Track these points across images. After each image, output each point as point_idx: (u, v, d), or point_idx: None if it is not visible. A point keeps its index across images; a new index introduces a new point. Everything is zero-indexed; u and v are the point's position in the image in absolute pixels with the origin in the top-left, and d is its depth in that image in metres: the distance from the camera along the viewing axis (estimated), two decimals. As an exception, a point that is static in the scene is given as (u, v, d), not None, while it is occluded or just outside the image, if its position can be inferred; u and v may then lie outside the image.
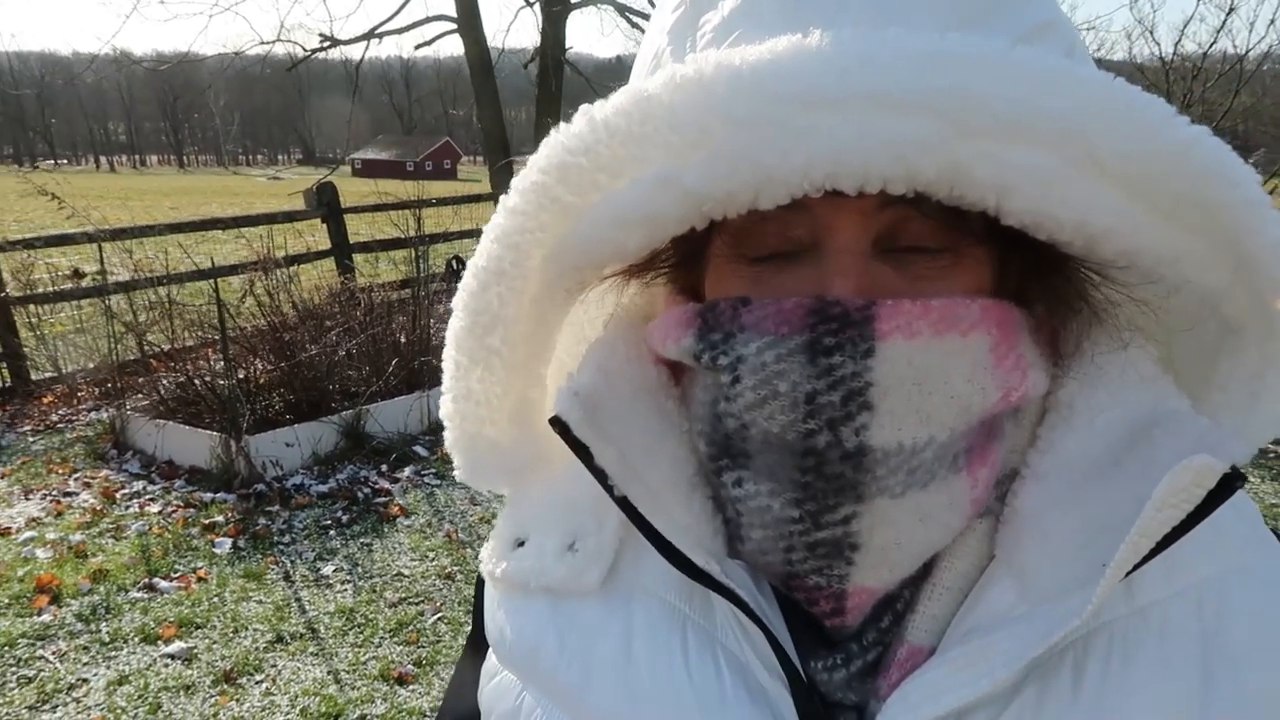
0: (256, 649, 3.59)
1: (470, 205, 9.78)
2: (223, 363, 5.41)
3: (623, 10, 12.63)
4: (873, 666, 0.54)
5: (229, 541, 4.45)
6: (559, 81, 11.18)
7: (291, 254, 7.56)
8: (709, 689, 0.54)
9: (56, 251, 8.05)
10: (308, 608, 3.89)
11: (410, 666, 3.47)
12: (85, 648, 3.60)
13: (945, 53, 0.44)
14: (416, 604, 3.92)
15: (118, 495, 5.02)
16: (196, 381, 5.51)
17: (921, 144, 0.44)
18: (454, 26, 11.49)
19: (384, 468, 5.34)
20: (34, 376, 6.94)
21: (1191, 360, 0.57)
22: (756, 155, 0.46)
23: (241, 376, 5.46)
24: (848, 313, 0.49)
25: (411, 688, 3.36)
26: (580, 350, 0.63)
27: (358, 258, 8.78)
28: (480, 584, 0.70)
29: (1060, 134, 0.44)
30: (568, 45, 11.64)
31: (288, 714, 3.22)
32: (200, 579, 4.13)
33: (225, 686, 3.36)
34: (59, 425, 6.27)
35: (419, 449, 5.59)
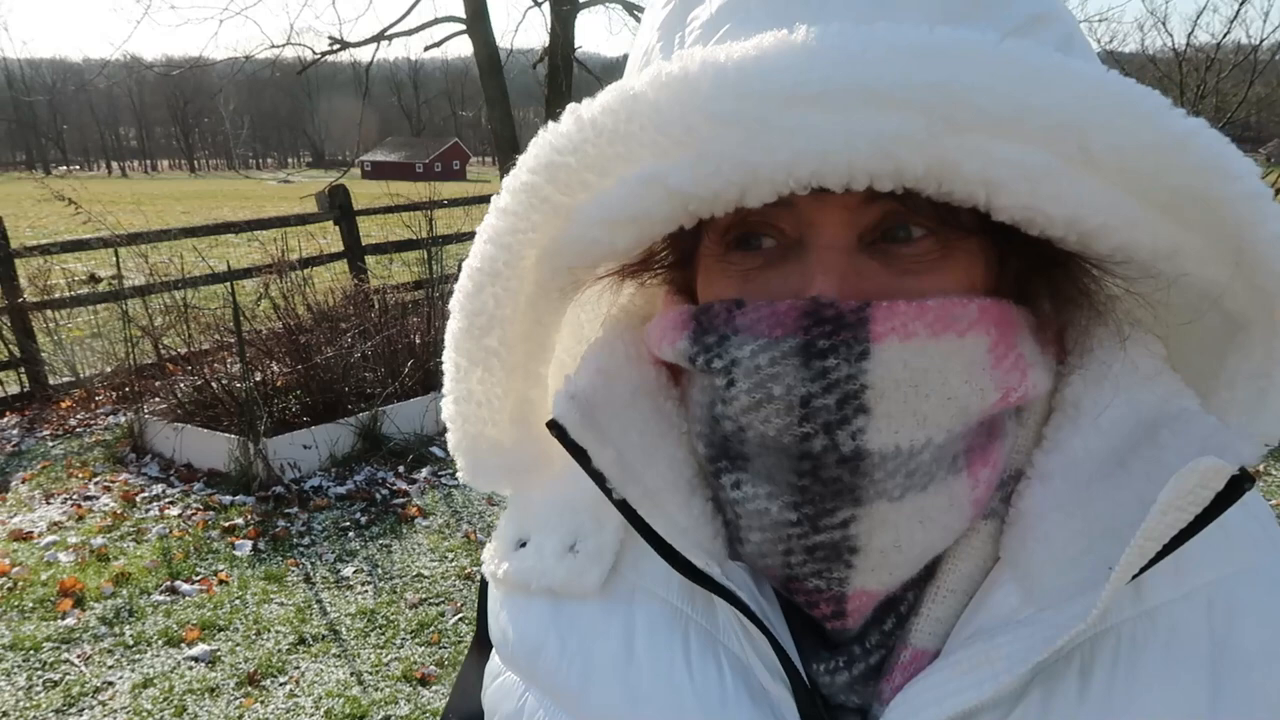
0: (279, 651, 3.60)
1: (482, 206, 9.77)
2: (240, 366, 5.43)
3: (631, 9, 12.63)
4: (876, 669, 0.54)
5: (249, 544, 4.47)
6: (569, 81, 11.18)
7: (305, 257, 7.59)
8: (710, 690, 0.53)
9: (71, 257, 8.10)
10: (329, 609, 3.90)
11: (433, 667, 3.47)
12: (109, 651, 3.62)
13: (933, 47, 0.43)
14: (437, 605, 3.93)
15: (137, 499, 5.05)
16: (214, 385, 5.54)
17: (908, 140, 0.44)
18: (463, 28, 11.51)
19: (401, 469, 5.36)
20: (51, 381, 6.98)
21: (1199, 358, 0.57)
22: (741, 154, 0.45)
23: (259, 379, 5.48)
24: (842, 315, 0.48)
25: (434, 688, 3.37)
26: (580, 350, 0.63)
27: (370, 259, 8.80)
28: (484, 584, 0.70)
29: (1050, 128, 0.44)
30: (576, 44, 11.65)
31: (312, 715, 3.23)
32: (221, 581, 4.14)
33: (249, 689, 3.37)
34: (77, 430, 6.31)
35: (435, 450, 5.60)
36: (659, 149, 0.47)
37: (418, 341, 6.26)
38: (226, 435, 5.21)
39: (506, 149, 11.14)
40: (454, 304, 0.59)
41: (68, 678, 3.45)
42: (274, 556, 4.37)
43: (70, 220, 6.88)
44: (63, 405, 6.76)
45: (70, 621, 3.82)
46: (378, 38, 11.97)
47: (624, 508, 0.54)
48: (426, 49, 12.60)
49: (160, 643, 3.67)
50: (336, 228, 8.81)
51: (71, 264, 8.91)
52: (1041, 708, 0.49)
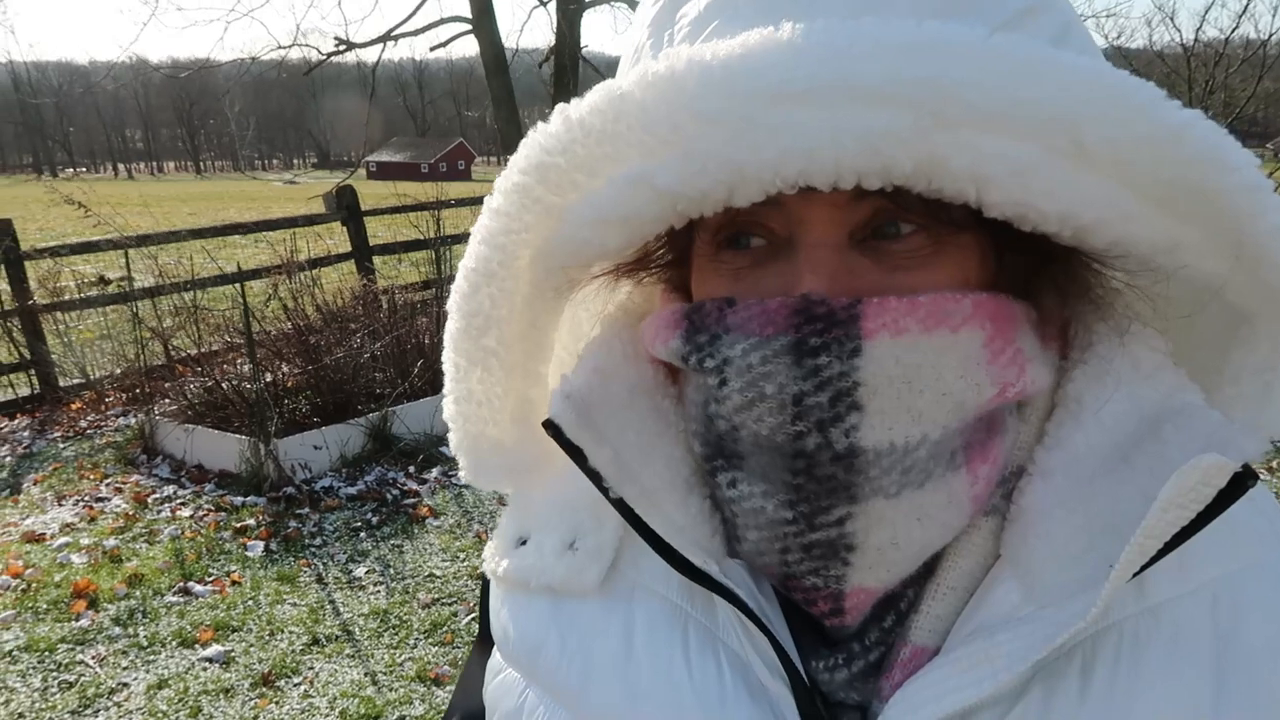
0: (293, 651, 3.60)
1: (489, 205, 9.75)
2: (250, 367, 5.44)
3: (636, 6, 12.61)
4: (876, 666, 0.53)
5: (261, 544, 4.47)
6: (575, 79, 11.18)
7: (313, 257, 7.60)
8: (709, 688, 0.53)
9: (79, 259, 8.12)
10: (342, 610, 3.91)
11: (446, 667, 3.47)
12: (124, 652, 3.63)
13: (920, 42, 0.43)
14: (450, 604, 3.93)
15: (149, 500, 5.06)
16: (224, 386, 5.55)
17: (895, 137, 0.43)
18: (469, 27, 11.51)
19: (411, 469, 5.36)
20: (61, 383, 7.00)
21: (1204, 352, 0.56)
22: (728, 153, 0.45)
23: (269, 380, 5.49)
24: (833, 312, 0.48)
25: (449, 689, 3.36)
26: (580, 348, 0.63)
27: (377, 259, 8.81)
28: (487, 582, 0.70)
29: (1041, 123, 0.43)
30: (582, 43, 11.64)
31: (327, 716, 3.23)
32: (234, 582, 4.15)
33: (264, 689, 3.38)
34: (88, 431, 6.32)
35: (445, 450, 5.57)
36: (646, 149, 0.47)
37: (427, 342, 6.26)
38: (237, 436, 5.21)
39: (514, 148, 11.11)
40: (451, 304, 0.59)
41: (83, 679, 3.46)
42: (286, 557, 4.37)
43: (78, 222, 6.91)
44: (73, 407, 6.78)
45: (84, 623, 3.83)
46: (384, 38, 11.98)
47: (621, 506, 0.54)
48: (432, 49, 12.61)
49: (174, 644, 3.67)
50: (344, 228, 8.83)
51: (80, 265, 8.93)
52: (1042, 705, 0.48)
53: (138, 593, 4.06)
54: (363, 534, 4.60)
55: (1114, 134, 0.43)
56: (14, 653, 3.63)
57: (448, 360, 0.61)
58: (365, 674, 3.46)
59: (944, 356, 0.49)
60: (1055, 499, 0.51)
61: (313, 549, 4.46)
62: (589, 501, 0.58)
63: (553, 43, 11.45)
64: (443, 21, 12.15)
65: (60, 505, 5.09)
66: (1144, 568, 0.45)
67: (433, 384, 6.00)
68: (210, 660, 3.56)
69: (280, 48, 12.30)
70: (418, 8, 11.88)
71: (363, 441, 5.50)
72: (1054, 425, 0.54)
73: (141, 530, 4.70)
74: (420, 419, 5.73)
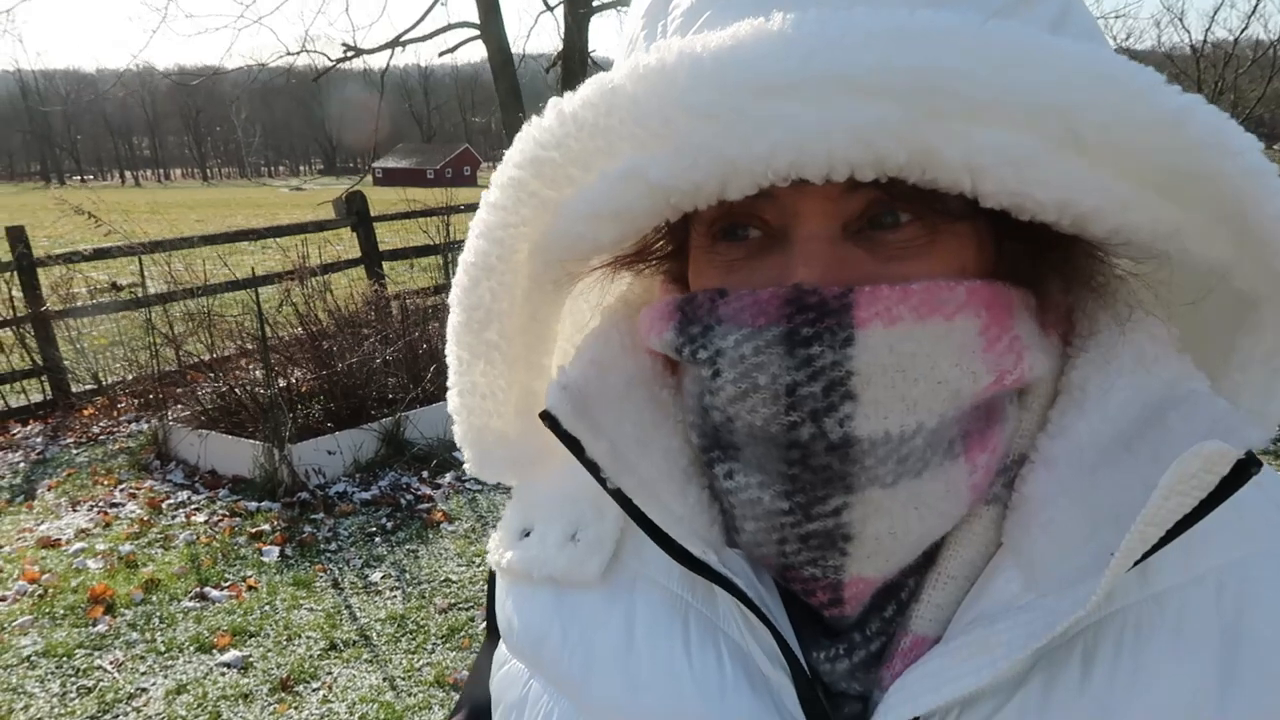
0: (311, 657, 3.60)
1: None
2: (263, 372, 5.44)
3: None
4: (877, 656, 0.53)
5: (276, 550, 4.47)
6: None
7: (325, 263, 7.61)
8: (709, 677, 0.53)
9: (88, 266, 8.15)
10: (359, 615, 3.90)
11: (465, 672, 3.46)
12: (142, 657, 3.63)
13: (911, 30, 0.42)
14: (466, 609, 3.92)
15: (163, 505, 5.06)
16: (239, 391, 5.55)
17: (887, 128, 0.42)
18: (476, 33, 11.54)
19: (425, 474, 5.36)
20: (74, 389, 7.02)
21: (1210, 339, 0.55)
22: (718, 146, 0.44)
23: (283, 385, 5.49)
24: (825, 301, 0.47)
25: (466, 693, 3.36)
26: (581, 340, 0.63)
27: (386, 264, 8.83)
28: (493, 574, 0.70)
29: (1034, 111, 0.42)
30: (590, 48, 11.66)
31: (345, 721, 3.22)
32: (250, 587, 4.15)
33: (283, 694, 3.37)
34: (100, 437, 6.34)
35: (458, 455, 5.55)
36: (638, 142, 0.47)
37: (439, 347, 6.26)
38: (251, 441, 5.22)
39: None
40: (452, 299, 0.59)
41: (101, 684, 3.46)
42: (301, 562, 4.37)
43: (86, 230, 6.93)
44: (85, 413, 6.80)
45: (102, 628, 3.83)
46: (392, 44, 12.01)
47: (619, 497, 0.54)
48: (441, 54, 12.64)
49: (192, 649, 3.67)
50: (354, 234, 8.84)
51: (89, 272, 8.96)
52: (1042, 694, 0.48)
53: (154, 598, 4.06)
54: (377, 539, 4.60)
55: (1110, 121, 0.42)
56: (32, 658, 3.63)
57: (450, 353, 0.61)
58: (384, 679, 3.45)
59: (938, 345, 0.48)
60: (1058, 487, 0.51)
61: (328, 554, 4.46)
62: (590, 493, 0.59)
63: (560, 48, 11.47)
64: (450, 27, 12.17)
65: (75, 511, 5.10)
66: (1146, 555, 0.45)
67: (445, 389, 5.88)
68: (228, 665, 3.55)
69: (289, 54, 12.33)
70: (425, 13, 11.91)
71: (376, 446, 5.50)
72: (1057, 413, 0.54)
73: (157, 536, 4.70)
74: (433, 424, 5.73)
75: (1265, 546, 0.50)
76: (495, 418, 0.62)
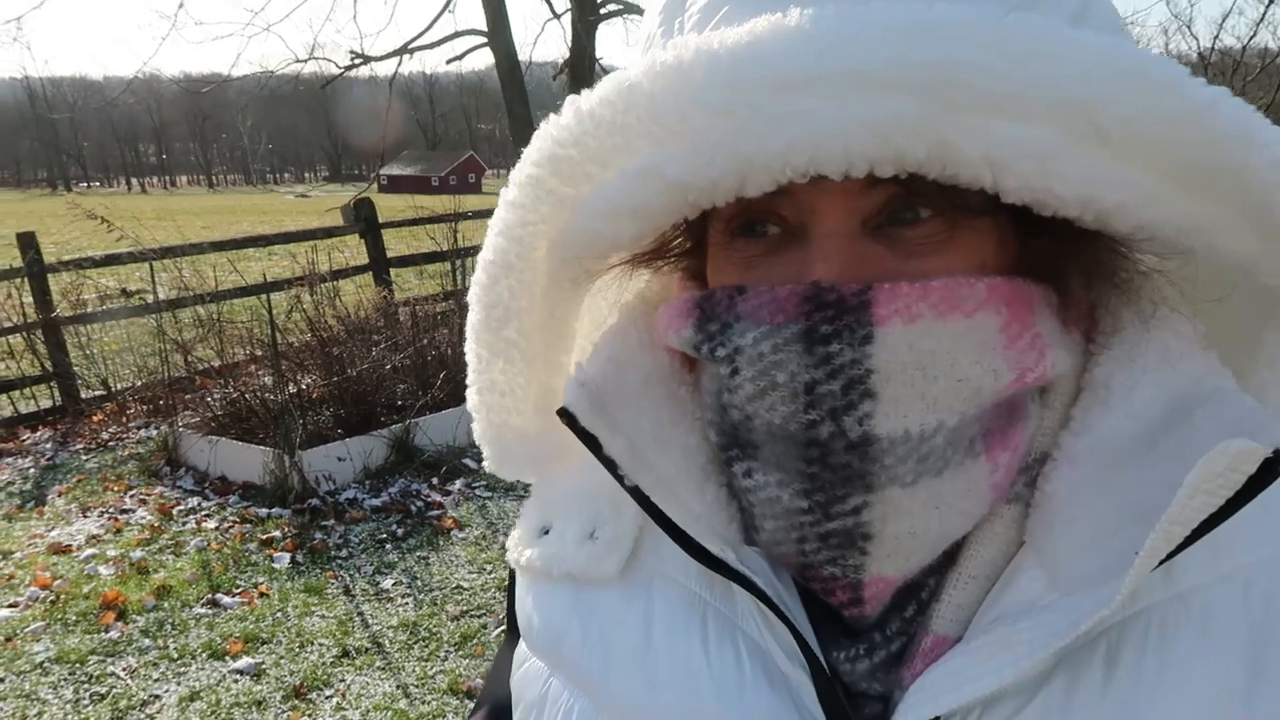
0: (324, 664, 3.59)
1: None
2: (273, 378, 5.45)
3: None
4: (897, 656, 0.52)
5: (287, 556, 4.46)
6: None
7: (334, 269, 7.63)
8: (728, 675, 0.53)
9: (97, 272, 8.16)
10: (371, 622, 3.89)
11: (478, 680, 3.45)
12: (154, 664, 3.62)
13: (930, 24, 0.41)
14: (479, 617, 3.91)
15: (174, 511, 5.06)
16: (249, 397, 5.56)
17: (905, 123, 0.42)
18: (484, 40, 11.57)
19: (435, 480, 5.35)
20: (83, 395, 7.03)
21: (1237, 335, 0.54)
22: (736, 143, 0.44)
23: (293, 392, 5.49)
24: (843, 298, 0.47)
25: (480, 701, 3.35)
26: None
27: (394, 271, 8.84)
28: (513, 572, 0.70)
29: (1056, 104, 0.42)
30: (597, 55, 11.68)
31: (359, 729, 3.21)
32: (262, 594, 4.14)
33: (296, 702, 3.36)
34: (109, 443, 6.34)
35: (468, 461, 5.60)
36: (655, 140, 0.47)
37: (449, 353, 6.26)
38: (261, 448, 5.22)
39: (528, 160, 11.13)
40: (471, 297, 0.59)
41: (114, 691, 3.45)
42: (313, 569, 4.37)
43: (93, 236, 6.95)
44: (95, 419, 6.80)
45: (114, 634, 3.83)
46: (400, 51, 12.05)
47: (636, 494, 0.53)
48: (448, 62, 12.67)
49: (204, 655, 3.66)
50: (361, 241, 8.86)
51: (99, 278, 8.98)
52: (1065, 694, 0.47)
53: (166, 604, 4.06)
54: (388, 546, 4.59)
55: (1134, 114, 0.42)
56: (45, 664, 3.63)
57: (470, 352, 0.61)
58: (397, 686, 3.44)
59: (959, 342, 0.48)
60: (1082, 485, 0.50)
61: (339, 561, 4.45)
62: (609, 491, 0.58)
63: (567, 55, 11.50)
64: (457, 35, 12.20)
65: (85, 517, 5.10)
66: (1171, 555, 0.44)
67: (454, 395, 6.00)
68: (241, 672, 3.55)
69: (297, 61, 12.37)
70: (433, 21, 11.95)
71: (386, 453, 5.50)
72: (1080, 410, 0.53)
73: (167, 542, 4.70)
74: (443, 431, 5.73)
75: None
76: (514, 415, 0.62)
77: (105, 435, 6.50)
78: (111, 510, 5.15)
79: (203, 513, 5.03)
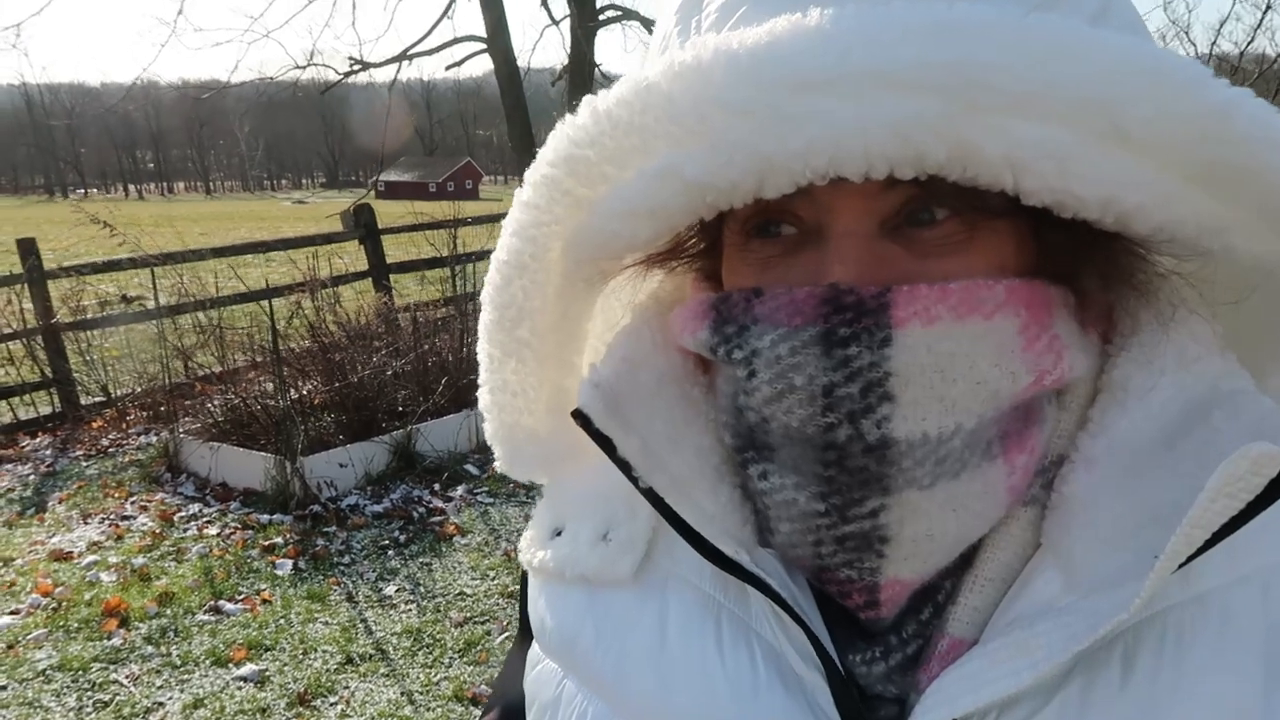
0: (327, 670, 3.58)
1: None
2: (275, 384, 5.44)
3: (649, 25, 12.69)
4: (914, 659, 0.52)
5: (289, 563, 4.46)
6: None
7: (335, 275, 7.62)
8: (742, 677, 0.52)
9: (96, 278, 8.15)
10: (374, 628, 3.88)
11: (483, 687, 3.44)
12: (157, 671, 3.61)
13: (950, 24, 0.41)
14: (482, 623, 3.90)
15: (175, 518, 5.05)
16: (250, 403, 5.55)
17: (925, 123, 0.42)
18: (483, 46, 11.59)
19: (436, 486, 5.35)
20: (83, 401, 7.01)
21: (1256, 338, 0.54)
22: (754, 143, 0.44)
23: (294, 397, 5.49)
24: (862, 301, 0.47)
25: (485, 708, 3.34)
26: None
27: (394, 277, 8.84)
28: (525, 574, 0.69)
29: (1076, 105, 0.42)
30: (596, 61, 11.70)
31: (364, 736, 3.20)
32: (265, 601, 4.13)
33: (300, 709, 3.35)
34: (110, 450, 6.33)
35: (470, 468, 5.59)
36: (674, 140, 0.46)
37: (450, 359, 6.26)
38: (263, 454, 5.21)
39: (527, 165, 11.16)
40: (484, 297, 0.59)
41: (118, 698, 3.44)
42: (315, 575, 4.36)
43: (91, 242, 6.94)
44: (94, 425, 6.79)
45: (116, 641, 3.82)
46: (399, 58, 12.06)
47: (651, 495, 0.53)
48: (448, 68, 12.68)
49: (208, 663, 3.65)
50: (361, 247, 8.86)
51: (99, 284, 8.96)
52: (1081, 697, 0.47)
53: (169, 611, 4.05)
54: (390, 552, 4.59)
55: (1155, 114, 0.42)
56: (48, 671, 3.61)
57: (482, 351, 0.61)
58: (401, 693, 3.43)
59: (978, 344, 0.47)
60: (1099, 487, 0.50)
61: (341, 567, 4.44)
62: (622, 492, 0.58)
63: (566, 61, 11.52)
64: (457, 41, 12.22)
65: (86, 523, 5.08)
66: (1191, 558, 0.44)
67: (455, 401, 5.99)
68: (245, 679, 3.53)
69: (297, 67, 12.38)
70: (433, 27, 11.96)
71: (387, 459, 5.49)
72: (1098, 412, 0.53)
73: (169, 549, 4.69)
74: (444, 436, 5.72)
75: None
76: (526, 415, 0.62)
77: (105, 441, 6.48)
78: (112, 517, 5.14)
79: (204, 519, 5.02)
